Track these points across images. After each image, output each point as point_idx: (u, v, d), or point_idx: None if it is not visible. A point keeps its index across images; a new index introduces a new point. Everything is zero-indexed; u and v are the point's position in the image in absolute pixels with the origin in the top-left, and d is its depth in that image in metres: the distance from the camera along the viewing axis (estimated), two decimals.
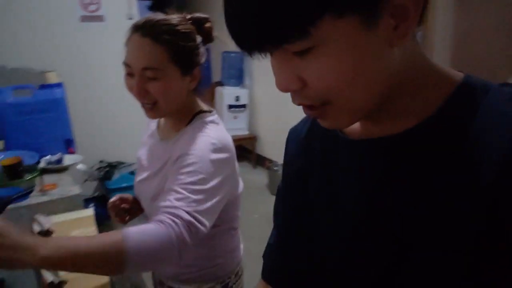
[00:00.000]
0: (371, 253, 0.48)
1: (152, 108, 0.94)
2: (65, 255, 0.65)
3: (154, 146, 1.07)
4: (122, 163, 3.28)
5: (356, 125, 0.52)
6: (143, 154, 1.10)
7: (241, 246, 1.15)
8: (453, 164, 0.41)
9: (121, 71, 0.94)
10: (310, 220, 0.57)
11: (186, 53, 0.92)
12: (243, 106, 4.49)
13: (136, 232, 0.71)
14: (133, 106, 1.13)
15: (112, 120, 3.20)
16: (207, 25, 0.97)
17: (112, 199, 1.10)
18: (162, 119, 1.09)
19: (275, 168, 3.69)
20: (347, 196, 0.51)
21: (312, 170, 0.58)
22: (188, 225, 0.76)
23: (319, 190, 0.56)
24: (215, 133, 0.94)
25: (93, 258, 0.67)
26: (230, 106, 4.43)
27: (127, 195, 1.14)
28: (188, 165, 0.86)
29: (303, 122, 0.64)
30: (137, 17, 3.07)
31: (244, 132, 4.55)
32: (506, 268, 0.38)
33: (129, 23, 0.93)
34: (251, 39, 0.40)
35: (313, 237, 0.56)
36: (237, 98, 4.45)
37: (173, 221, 0.75)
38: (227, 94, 4.44)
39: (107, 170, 3.22)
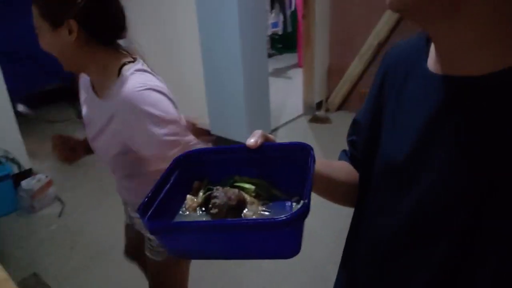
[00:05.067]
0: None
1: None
2: None
3: (92, 103, 1.12)
4: None
5: (438, 61, 0.50)
6: (86, 112, 1.16)
7: None
8: None
9: None
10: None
11: (53, 6, 0.94)
12: None
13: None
14: None
15: None
16: None
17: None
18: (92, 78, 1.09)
19: None
20: (413, 122, 0.51)
21: (390, 92, 0.59)
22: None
23: (389, 111, 0.58)
24: (139, 78, 0.97)
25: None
26: None
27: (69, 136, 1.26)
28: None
29: (395, 47, 0.64)
30: None
31: None
32: None
33: None
34: None
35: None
36: None
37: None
38: None
39: None
